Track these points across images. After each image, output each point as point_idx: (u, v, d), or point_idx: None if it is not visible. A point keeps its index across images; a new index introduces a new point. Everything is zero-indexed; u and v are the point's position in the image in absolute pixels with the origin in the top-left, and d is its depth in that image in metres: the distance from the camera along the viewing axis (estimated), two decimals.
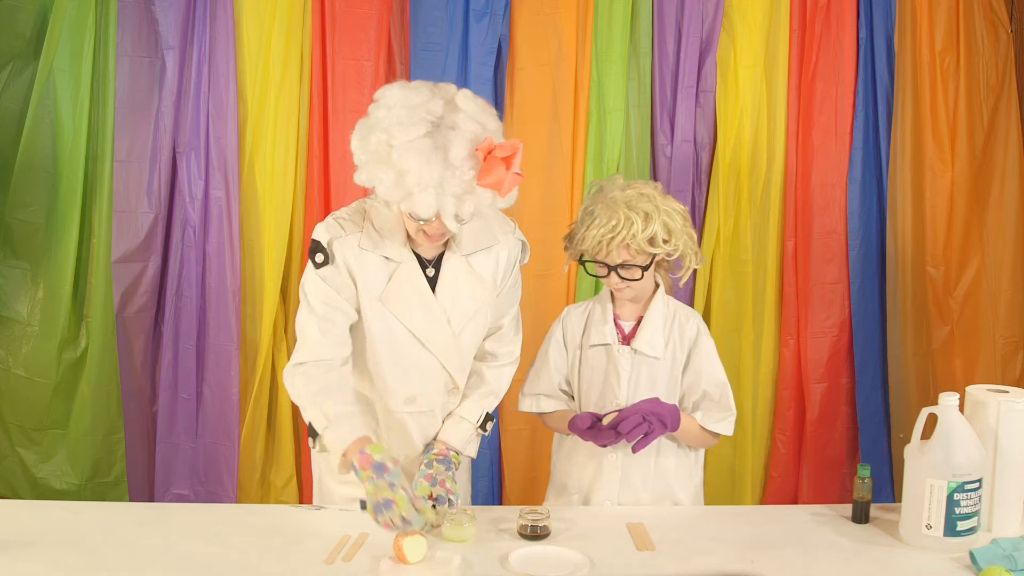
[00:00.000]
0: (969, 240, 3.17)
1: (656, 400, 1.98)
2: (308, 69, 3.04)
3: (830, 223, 3.17)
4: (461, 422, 2.05)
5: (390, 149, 1.74)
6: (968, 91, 3.14)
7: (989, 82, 3.16)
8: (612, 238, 1.93)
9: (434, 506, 1.87)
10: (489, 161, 1.74)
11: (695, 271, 2.18)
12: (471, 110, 1.79)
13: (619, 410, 1.96)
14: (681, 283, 2.11)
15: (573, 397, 2.13)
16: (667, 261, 2.06)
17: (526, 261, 2.13)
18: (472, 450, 2.09)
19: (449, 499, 1.90)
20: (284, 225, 3.04)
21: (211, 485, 3.08)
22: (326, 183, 3.07)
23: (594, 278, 3.12)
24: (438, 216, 1.79)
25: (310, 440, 1.99)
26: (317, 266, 1.94)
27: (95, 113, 3.00)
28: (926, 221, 3.15)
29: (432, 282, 1.98)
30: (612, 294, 2.08)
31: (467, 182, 1.74)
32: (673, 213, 1.98)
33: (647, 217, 1.94)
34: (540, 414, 2.15)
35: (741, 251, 3.14)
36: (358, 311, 1.97)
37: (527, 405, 2.15)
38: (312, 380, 1.91)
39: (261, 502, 3.10)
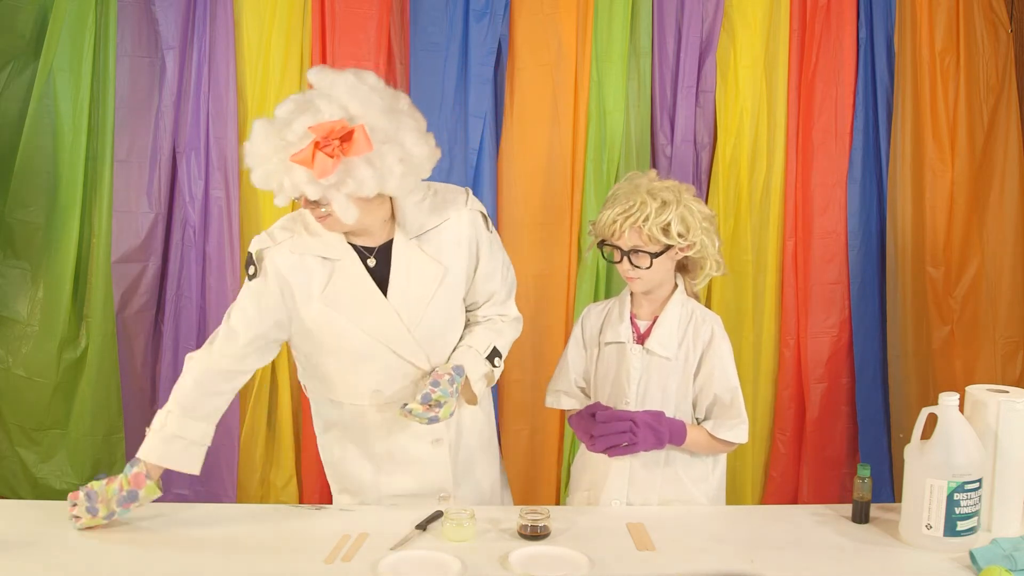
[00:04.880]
0: (969, 240, 3.17)
1: (659, 414, 1.98)
2: (308, 69, 3.04)
3: (830, 223, 3.16)
4: (468, 350, 2.02)
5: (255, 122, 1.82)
6: (968, 91, 3.13)
7: (989, 82, 3.16)
8: (626, 218, 1.95)
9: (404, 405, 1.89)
10: (316, 142, 1.73)
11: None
12: (338, 93, 1.78)
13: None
14: (696, 288, 2.11)
15: (591, 396, 2.14)
16: (688, 260, 2.06)
17: (491, 229, 2.08)
18: (477, 371, 2.01)
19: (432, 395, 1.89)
20: None
21: (211, 485, 3.08)
22: None
23: (595, 280, 3.14)
24: (303, 198, 1.80)
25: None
26: (250, 278, 1.97)
27: (95, 113, 3.00)
28: (926, 221, 3.15)
29: (376, 272, 1.96)
30: (632, 294, 2.09)
31: (285, 160, 1.75)
32: (695, 211, 1.98)
33: (664, 204, 1.95)
34: (565, 411, 2.19)
35: (741, 251, 3.14)
36: (290, 322, 1.97)
37: (550, 401, 2.18)
38: (196, 380, 1.97)
39: (261, 502, 3.10)
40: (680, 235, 1.97)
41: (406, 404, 1.90)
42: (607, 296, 3.04)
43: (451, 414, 1.93)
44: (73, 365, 3.05)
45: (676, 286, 2.07)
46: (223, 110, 3.01)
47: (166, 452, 1.91)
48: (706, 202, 3.14)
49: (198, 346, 3.03)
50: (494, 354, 2.06)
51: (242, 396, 3.08)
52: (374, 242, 1.97)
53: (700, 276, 2.08)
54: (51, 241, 3.01)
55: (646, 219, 1.94)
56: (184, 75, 3.03)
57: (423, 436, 2.04)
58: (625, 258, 1.99)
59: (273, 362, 3.08)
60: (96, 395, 3.04)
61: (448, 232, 2.00)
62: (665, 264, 2.01)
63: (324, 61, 3.02)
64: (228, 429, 3.06)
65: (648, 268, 1.98)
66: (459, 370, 1.97)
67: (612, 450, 1.95)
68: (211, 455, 3.03)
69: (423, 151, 1.86)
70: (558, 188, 3.10)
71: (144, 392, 3.12)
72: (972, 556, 1.71)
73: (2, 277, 3.03)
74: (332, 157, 1.73)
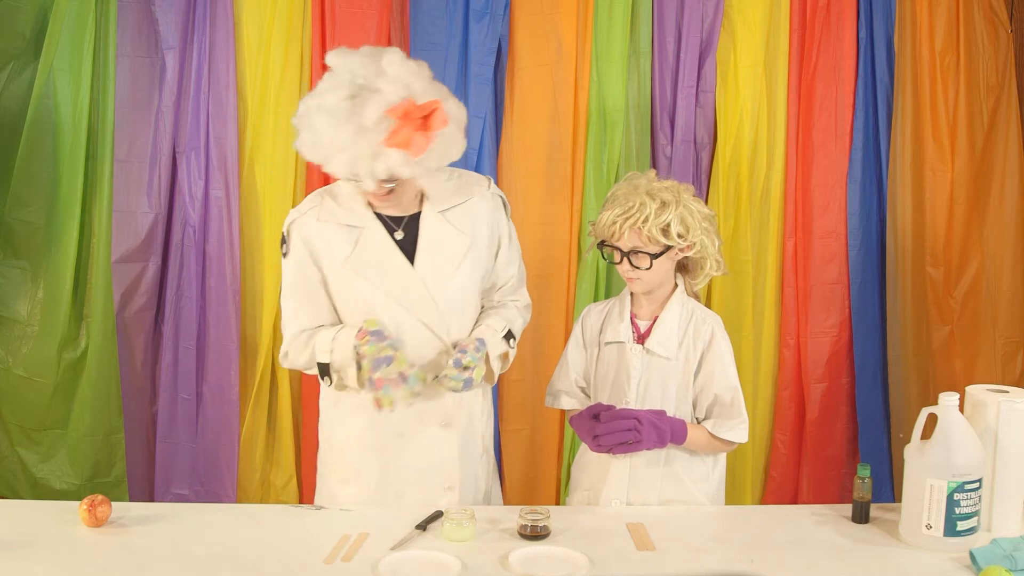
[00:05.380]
0: (969, 240, 3.17)
1: (662, 413, 1.98)
2: (308, 69, 3.04)
3: (830, 223, 3.17)
4: (486, 328, 2.07)
5: (314, 113, 1.85)
6: (968, 91, 3.13)
7: (989, 82, 3.16)
8: (625, 219, 1.95)
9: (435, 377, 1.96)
10: (400, 124, 1.80)
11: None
12: (395, 73, 1.84)
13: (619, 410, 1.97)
14: (696, 288, 2.11)
15: (591, 396, 2.14)
16: (688, 260, 2.06)
17: (509, 214, 2.17)
18: (495, 349, 2.05)
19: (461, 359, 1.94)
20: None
21: (211, 485, 3.08)
22: (326, 183, 3.06)
23: (595, 280, 3.14)
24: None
25: (325, 381, 2.03)
26: (284, 256, 2.06)
27: (95, 113, 3.00)
28: (926, 221, 3.15)
29: (404, 243, 2.01)
30: (632, 294, 2.09)
31: (375, 143, 1.80)
32: (695, 211, 1.99)
33: (663, 205, 1.95)
34: (565, 411, 2.19)
35: (741, 251, 3.14)
36: (326, 287, 2.04)
37: (549, 401, 2.19)
38: (302, 342, 2.04)
39: (261, 502, 3.10)
40: (680, 236, 1.97)
41: (438, 375, 1.94)
42: (607, 296, 3.05)
43: (482, 378, 1.97)
44: (73, 365, 3.05)
45: (676, 286, 2.07)
46: (223, 110, 3.01)
47: (351, 329, 1.97)
48: (706, 202, 3.13)
49: (198, 346, 3.08)
50: (509, 335, 2.10)
51: (242, 396, 3.08)
52: (402, 212, 2.03)
53: (700, 276, 2.08)
54: (51, 241, 3.01)
55: (645, 220, 1.94)
56: (184, 75, 3.03)
57: (434, 418, 2.05)
58: (625, 259, 1.99)
59: (273, 362, 3.09)
60: (96, 395, 3.04)
61: (472, 209, 2.07)
62: (665, 265, 2.01)
63: (324, 61, 3.02)
64: (228, 429, 3.07)
65: (648, 269, 1.98)
66: (482, 342, 2.01)
67: (617, 448, 1.95)
68: (211, 455, 3.08)
69: (462, 114, 1.95)
70: (558, 188, 3.10)
71: (144, 392, 3.12)
72: (972, 556, 1.71)
73: (2, 277, 3.03)
74: (425, 136, 1.82)
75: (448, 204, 2.04)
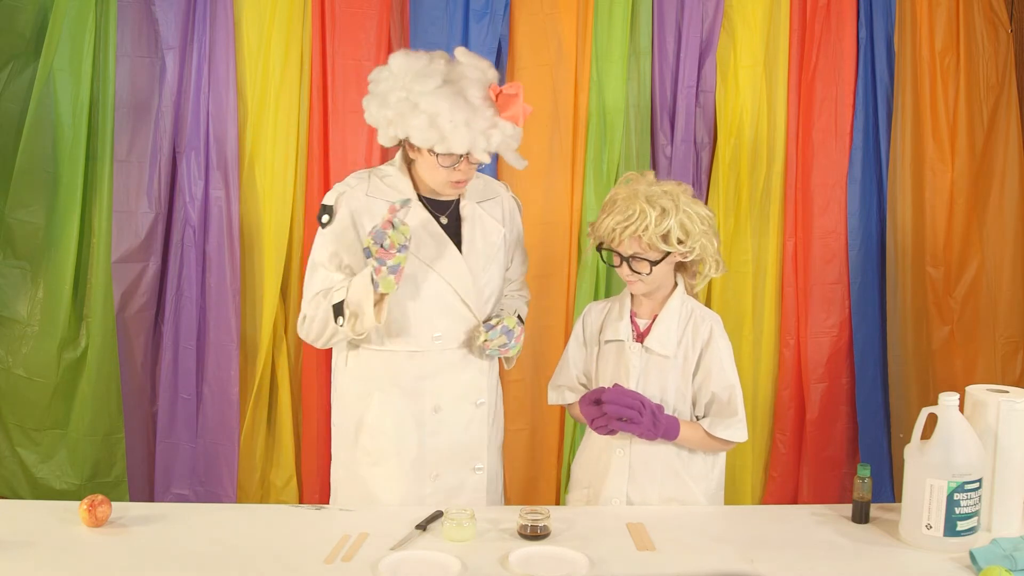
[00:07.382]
0: (969, 240, 3.17)
1: (661, 407, 1.99)
2: (308, 69, 3.04)
3: (830, 223, 3.17)
4: (501, 311, 2.21)
5: (416, 100, 1.95)
6: (968, 91, 3.13)
7: (989, 82, 3.16)
8: (625, 227, 1.96)
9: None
10: (503, 98, 1.99)
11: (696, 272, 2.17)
12: (470, 62, 2.02)
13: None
14: (695, 290, 2.11)
15: None
16: (689, 263, 2.07)
17: (520, 215, 2.33)
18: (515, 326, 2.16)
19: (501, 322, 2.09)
20: (284, 225, 3.04)
21: (211, 485, 3.08)
22: (326, 183, 3.07)
23: (595, 280, 3.14)
24: (466, 157, 2.00)
25: (340, 321, 2.01)
26: (323, 226, 2.09)
27: (95, 113, 3.00)
28: (926, 221, 3.15)
29: (446, 228, 2.12)
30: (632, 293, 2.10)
31: (489, 118, 1.98)
32: (694, 216, 1.99)
33: (663, 213, 1.96)
34: (566, 405, 2.22)
35: (741, 251, 3.14)
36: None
37: (552, 398, 2.21)
38: (321, 298, 2.07)
39: (261, 502, 3.10)
40: (679, 241, 1.97)
41: (477, 343, 2.08)
42: (607, 296, 3.05)
43: (521, 333, 2.12)
44: (73, 365, 3.05)
45: (676, 284, 2.07)
46: (223, 110, 3.01)
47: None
48: (706, 202, 3.14)
49: (198, 346, 3.08)
50: (519, 320, 2.23)
51: (242, 396, 3.08)
52: (447, 199, 2.15)
53: (700, 277, 2.09)
54: (51, 241, 3.01)
55: (646, 228, 1.95)
56: (184, 75, 3.03)
57: (470, 395, 2.13)
58: (625, 263, 2.00)
59: (273, 362, 3.09)
60: (96, 395, 3.04)
61: (500, 205, 2.23)
62: (664, 268, 2.02)
63: (324, 61, 3.03)
64: (228, 429, 3.06)
65: (648, 274, 1.99)
66: (502, 316, 2.15)
67: (616, 423, 1.96)
68: (211, 455, 3.08)
69: None
70: (558, 188, 3.10)
71: (144, 392, 3.12)
72: (972, 556, 1.71)
73: (2, 277, 3.02)
74: (523, 110, 2.01)
75: (482, 197, 2.20)
